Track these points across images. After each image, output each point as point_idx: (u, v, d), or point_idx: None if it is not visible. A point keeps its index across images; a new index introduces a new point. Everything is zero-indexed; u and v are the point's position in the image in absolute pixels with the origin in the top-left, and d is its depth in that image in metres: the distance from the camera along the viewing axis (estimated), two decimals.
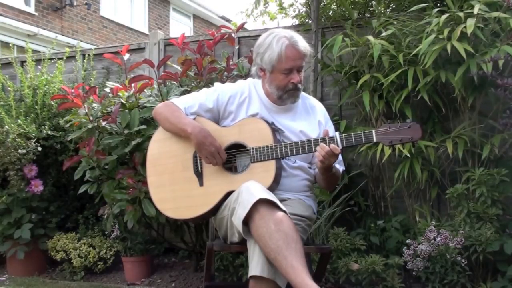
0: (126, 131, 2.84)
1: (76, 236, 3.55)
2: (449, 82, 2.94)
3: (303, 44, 2.07)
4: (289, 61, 2.04)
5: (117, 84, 3.21)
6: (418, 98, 3.07)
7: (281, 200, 1.92)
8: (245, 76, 2.99)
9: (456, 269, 2.72)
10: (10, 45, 5.15)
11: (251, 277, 1.81)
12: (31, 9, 10.52)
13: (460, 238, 2.73)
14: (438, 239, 2.76)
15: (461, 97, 3.02)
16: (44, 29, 10.21)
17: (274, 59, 2.05)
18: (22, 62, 4.45)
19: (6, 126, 3.40)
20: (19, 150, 3.37)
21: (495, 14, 2.74)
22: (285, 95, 2.11)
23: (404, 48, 3.06)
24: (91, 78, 4.01)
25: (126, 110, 2.92)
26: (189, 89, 2.98)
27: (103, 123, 2.94)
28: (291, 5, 4.36)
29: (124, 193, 2.86)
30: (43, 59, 3.97)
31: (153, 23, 13.85)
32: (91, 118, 2.96)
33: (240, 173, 2.08)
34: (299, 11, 4.31)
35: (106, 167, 2.99)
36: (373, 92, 3.24)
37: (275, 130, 2.10)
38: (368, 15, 3.77)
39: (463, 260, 2.72)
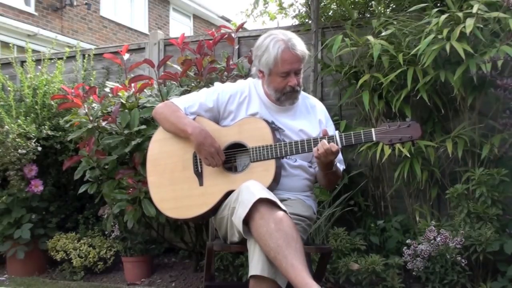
0: (126, 131, 2.84)
1: (76, 236, 3.55)
2: (449, 82, 2.94)
3: (300, 47, 2.05)
4: (286, 65, 2.04)
5: (117, 84, 3.21)
6: (418, 98, 3.07)
7: (281, 200, 1.92)
8: (245, 76, 2.99)
9: (456, 269, 2.72)
10: (10, 45, 5.14)
11: (251, 276, 1.81)
12: (31, 9, 10.52)
13: (460, 238, 2.73)
14: (438, 239, 2.76)
15: (460, 97, 3.02)
16: (44, 29, 10.21)
17: (270, 63, 2.04)
18: (22, 62, 4.45)
19: (6, 126, 3.39)
20: (19, 150, 3.38)
21: (495, 14, 2.74)
22: (283, 97, 2.12)
23: (404, 48, 3.06)
24: (91, 78, 4.01)
25: (126, 110, 2.92)
26: (189, 89, 2.98)
27: (103, 123, 2.94)
28: (291, 5, 4.36)
29: (124, 193, 2.86)
30: (43, 59, 3.97)
31: (153, 23, 13.85)
32: (91, 118, 2.96)
33: (240, 172, 2.08)
34: (299, 11, 4.31)
35: (106, 167, 2.99)
36: (373, 92, 3.24)
37: (275, 129, 2.10)
38: (368, 15, 3.77)
39: (463, 260, 2.72)
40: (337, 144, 1.95)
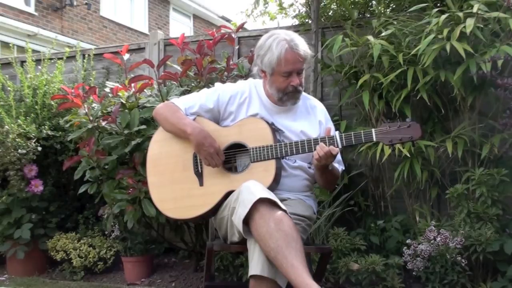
0: (126, 131, 2.84)
1: (76, 236, 3.55)
2: (449, 82, 2.94)
3: (303, 48, 2.05)
4: (289, 65, 2.04)
5: (117, 84, 3.21)
6: (418, 98, 3.07)
7: (281, 200, 1.92)
8: (245, 76, 2.99)
9: (456, 269, 2.72)
10: (10, 45, 5.16)
11: (251, 276, 1.81)
12: (31, 9, 10.52)
13: (460, 238, 2.73)
14: (438, 239, 2.76)
15: (460, 97, 3.02)
16: (44, 29, 10.21)
17: (273, 62, 2.04)
18: (22, 62, 4.45)
19: (6, 126, 3.39)
20: (19, 150, 3.37)
21: (495, 14, 2.74)
22: (285, 97, 2.12)
23: (404, 48, 3.06)
24: (91, 78, 4.01)
25: (126, 110, 2.92)
26: (189, 89, 2.98)
27: (103, 123, 2.94)
28: (291, 5, 4.35)
29: (124, 193, 2.86)
30: (43, 59, 3.97)
31: (153, 23, 13.85)
32: (91, 118, 2.96)
33: (240, 172, 2.08)
34: (299, 11, 4.31)
35: (106, 167, 2.99)
36: (373, 92, 3.24)
37: (275, 130, 2.10)
38: (368, 15, 3.77)
39: (463, 260, 2.71)
40: (337, 145, 1.96)
